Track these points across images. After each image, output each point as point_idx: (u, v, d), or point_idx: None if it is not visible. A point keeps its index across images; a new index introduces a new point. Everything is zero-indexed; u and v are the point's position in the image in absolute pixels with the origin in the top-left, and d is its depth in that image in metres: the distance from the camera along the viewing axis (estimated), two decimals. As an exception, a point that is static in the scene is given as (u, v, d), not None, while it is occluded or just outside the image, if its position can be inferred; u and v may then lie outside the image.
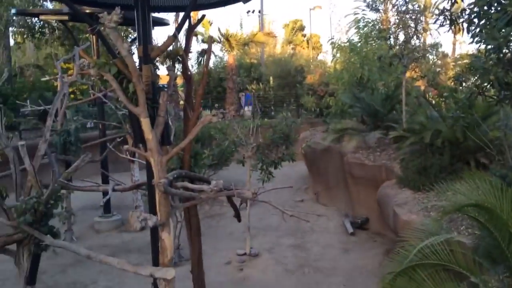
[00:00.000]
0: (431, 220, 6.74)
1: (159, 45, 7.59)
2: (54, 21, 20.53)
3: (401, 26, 13.75)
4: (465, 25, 7.50)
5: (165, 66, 8.39)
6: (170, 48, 7.78)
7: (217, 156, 14.17)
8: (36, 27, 23.63)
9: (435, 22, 8.34)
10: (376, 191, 12.09)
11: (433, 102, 14.48)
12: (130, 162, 15.17)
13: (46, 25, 23.12)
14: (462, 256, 5.47)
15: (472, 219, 5.93)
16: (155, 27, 13.90)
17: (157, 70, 7.50)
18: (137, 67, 6.73)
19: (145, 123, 6.57)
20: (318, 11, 42.64)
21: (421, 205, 9.48)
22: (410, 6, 13.63)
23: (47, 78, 15.73)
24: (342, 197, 15.70)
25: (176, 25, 13.13)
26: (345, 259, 12.33)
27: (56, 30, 23.32)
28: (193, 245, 9.07)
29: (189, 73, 8.65)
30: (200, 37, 28.31)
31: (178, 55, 8.22)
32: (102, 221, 15.30)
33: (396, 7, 13.89)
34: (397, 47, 13.98)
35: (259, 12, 38.73)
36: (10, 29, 23.81)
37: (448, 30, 8.01)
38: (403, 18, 13.63)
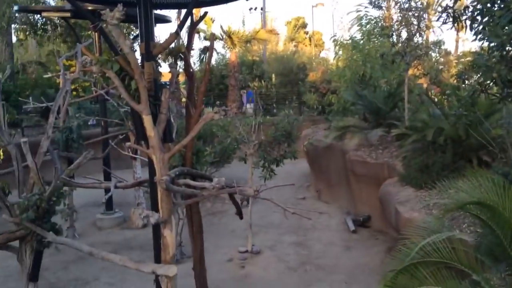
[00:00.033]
0: (433, 218, 6.73)
1: (161, 42, 7.59)
2: (57, 18, 20.56)
3: (403, 23, 13.71)
4: (468, 22, 7.49)
5: (167, 63, 8.40)
6: (172, 45, 7.77)
7: (219, 154, 14.16)
8: (38, 24, 23.63)
9: (438, 20, 8.33)
10: (378, 189, 12.08)
11: (436, 99, 14.47)
12: (132, 159, 15.20)
13: (48, 22, 23.12)
14: (464, 254, 5.46)
15: (474, 217, 5.92)
16: (157, 24, 13.90)
17: (159, 67, 7.50)
18: (139, 64, 6.73)
19: (147, 120, 6.58)
20: (321, 8, 42.53)
21: (423, 203, 9.47)
22: (413, 3, 13.60)
23: (49, 75, 15.75)
24: (344, 195, 15.69)
25: (178, 22, 13.11)
26: (347, 257, 12.34)
27: (59, 27, 23.33)
28: (195, 242, 9.09)
29: (191, 70, 8.66)
30: (202, 34, 28.26)
31: (180, 52, 8.21)
32: (104, 218, 15.33)
33: (398, 4, 13.85)
34: (400, 44, 13.94)
35: (261, 9, 38.69)
36: (13, 26, 23.81)
37: (451, 28, 8.00)
38: (406, 16, 13.59)
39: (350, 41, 18.54)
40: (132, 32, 23.26)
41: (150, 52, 6.94)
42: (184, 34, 9.56)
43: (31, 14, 22.29)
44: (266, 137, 13.77)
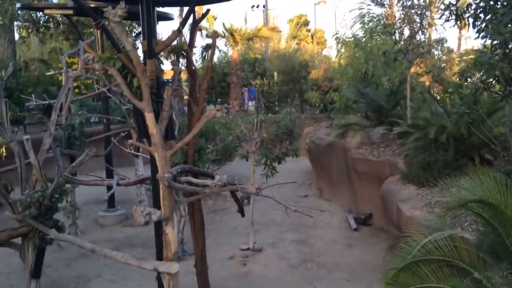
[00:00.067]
0: (435, 216, 6.73)
1: (164, 39, 7.60)
2: (59, 15, 20.52)
3: (406, 21, 13.67)
4: (470, 20, 7.46)
5: (169, 61, 8.40)
6: (175, 42, 7.79)
7: (221, 151, 14.17)
8: (41, 22, 23.63)
9: (440, 17, 8.29)
10: (379, 186, 12.08)
11: (438, 97, 14.42)
12: (134, 156, 15.22)
13: (50, 19, 23.11)
14: (466, 252, 5.46)
15: (476, 215, 5.91)
16: (159, 22, 13.89)
17: (161, 64, 7.50)
18: (142, 61, 6.74)
19: (149, 117, 6.58)
20: (323, 6, 42.53)
21: (424, 201, 9.46)
22: (415, 1, 13.55)
23: (51, 72, 15.79)
24: (345, 193, 15.69)
25: (181, 19, 13.10)
26: (349, 255, 12.34)
27: (61, 25, 23.32)
28: (196, 240, 9.11)
29: (193, 68, 8.67)
30: (204, 32, 28.21)
31: (182, 50, 8.23)
32: (106, 215, 15.36)
33: (401, 1, 13.81)
34: (402, 42, 13.91)
35: (264, 7, 38.64)
36: (15, 23, 23.82)
37: (454, 25, 7.96)
38: (409, 13, 13.55)
39: (352, 39, 18.50)
40: (135, 30, 23.24)
41: (152, 50, 6.95)
42: (186, 31, 9.57)
43: (33, 11, 22.31)
44: (268, 135, 13.77)
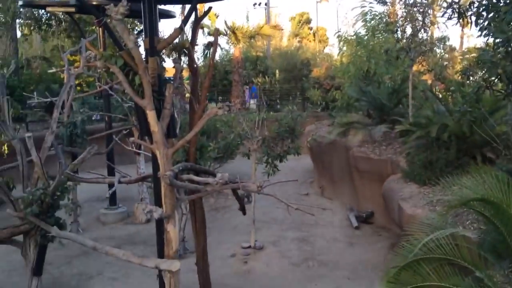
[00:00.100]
0: (437, 215, 6.72)
1: (166, 37, 7.59)
2: (61, 13, 20.52)
3: (408, 19, 13.63)
4: (473, 18, 7.45)
5: (171, 58, 8.42)
6: (176, 40, 7.78)
7: (222, 149, 14.18)
8: (43, 19, 23.64)
9: (443, 15, 8.29)
10: (381, 185, 12.07)
11: (440, 96, 14.38)
12: (136, 154, 15.22)
13: (52, 17, 23.13)
14: (467, 251, 5.46)
15: (478, 213, 5.91)
16: (161, 20, 13.88)
17: (163, 62, 7.50)
18: (143, 59, 6.73)
19: (151, 115, 6.58)
20: (325, 4, 42.59)
21: (426, 199, 9.45)
22: (417, -1, 13.53)
23: (53, 70, 15.77)
24: (347, 191, 15.68)
25: (183, 17, 13.09)
26: (350, 253, 12.34)
27: (63, 22, 23.33)
28: (198, 238, 9.11)
29: (195, 65, 8.65)
30: (206, 30, 28.24)
31: (184, 48, 8.22)
32: (108, 213, 15.38)
33: (403, -1, 13.79)
34: (404, 40, 13.88)
35: (266, 4, 38.63)
36: (17, 21, 23.81)
37: (456, 23, 7.96)
38: (411, 11, 13.52)
39: (354, 37, 18.47)
40: (136, 27, 23.23)
41: (154, 47, 6.94)
42: (188, 29, 9.54)
43: (35, 9, 22.30)
44: (269, 133, 13.77)
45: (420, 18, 13.48)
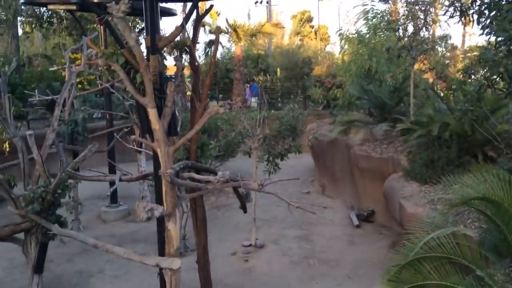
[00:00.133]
0: (438, 213, 6.72)
1: (167, 35, 7.58)
2: (62, 10, 20.53)
3: (410, 17, 13.62)
4: (475, 16, 7.44)
5: (172, 56, 8.40)
6: (178, 38, 7.77)
7: (223, 147, 14.16)
8: (44, 17, 23.61)
9: (444, 14, 8.29)
10: (382, 183, 12.06)
11: (442, 94, 14.38)
12: (137, 152, 15.23)
13: (54, 14, 23.11)
14: (468, 250, 5.46)
15: (479, 212, 5.91)
16: (162, 17, 13.86)
17: (164, 60, 7.50)
18: (145, 57, 6.73)
19: (152, 113, 6.58)
20: (327, 2, 42.49)
21: (427, 198, 9.45)
22: (419, -3, 13.50)
23: (55, 68, 15.73)
24: (348, 190, 15.68)
25: (184, 15, 13.07)
26: (351, 251, 12.34)
27: (64, 20, 23.31)
28: (199, 236, 9.12)
29: (196, 64, 8.65)
30: (207, 28, 28.19)
31: (185, 46, 8.21)
32: (109, 211, 15.39)
33: (405, -3, 13.76)
34: (406, 38, 13.86)
35: (267, 2, 38.55)
36: (19, 18, 23.79)
37: (458, 22, 7.95)
38: (412, 9, 13.50)
39: (356, 35, 18.43)
40: (138, 25, 23.21)
41: (156, 45, 6.93)
42: (189, 27, 9.55)
43: (37, 6, 22.30)
44: (270, 131, 13.76)
45: (421, 17, 13.46)
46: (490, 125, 9.29)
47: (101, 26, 15.01)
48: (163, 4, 12.82)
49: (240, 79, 28.43)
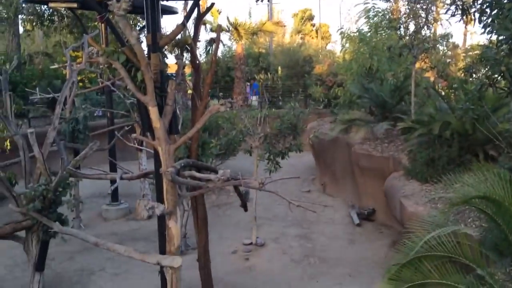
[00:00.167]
0: (438, 212, 6.72)
1: (168, 33, 7.58)
2: (63, 8, 20.51)
3: (411, 16, 13.60)
4: (476, 15, 7.43)
5: (173, 54, 8.42)
6: (179, 36, 7.77)
7: (224, 146, 14.17)
8: (45, 15, 23.59)
9: (446, 12, 8.27)
10: (383, 182, 12.06)
11: (443, 93, 14.36)
12: (138, 150, 15.24)
13: (55, 12, 23.10)
14: (469, 248, 5.46)
15: (480, 211, 5.90)
16: (163, 16, 13.86)
17: (165, 58, 7.50)
18: (146, 55, 6.73)
19: (153, 111, 6.58)
20: (328, 1, 42.34)
21: (428, 196, 9.45)
22: (421, -4, 13.47)
23: (56, 66, 15.76)
24: (349, 188, 15.68)
25: (185, 13, 13.06)
26: (351, 250, 12.35)
27: (65, 18, 23.30)
28: (199, 234, 9.13)
29: (197, 62, 8.65)
30: (208, 26, 28.16)
31: (186, 44, 8.22)
32: (109, 209, 15.41)
33: (406, -4, 13.74)
34: (407, 37, 13.84)
35: (268, 1, 38.48)
36: (20, 16, 23.79)
37: (460, 20, 7.94)
38: (414, 8, 13.48)
39: (357, 33, 18.39)
40: (139, 23, 23.20)
41: (157, 43, 6.93)
42: (190, 25, 9.54)
43: (38, 4, 22.29)
44: (271, 129, 13.77)
45: (423, 15, 13.45)
46: (491, 124, 9.28)
47: (102, 24, 15.00)
48: (164, 2, 12.82)
49: (241, 78, 28.41)
